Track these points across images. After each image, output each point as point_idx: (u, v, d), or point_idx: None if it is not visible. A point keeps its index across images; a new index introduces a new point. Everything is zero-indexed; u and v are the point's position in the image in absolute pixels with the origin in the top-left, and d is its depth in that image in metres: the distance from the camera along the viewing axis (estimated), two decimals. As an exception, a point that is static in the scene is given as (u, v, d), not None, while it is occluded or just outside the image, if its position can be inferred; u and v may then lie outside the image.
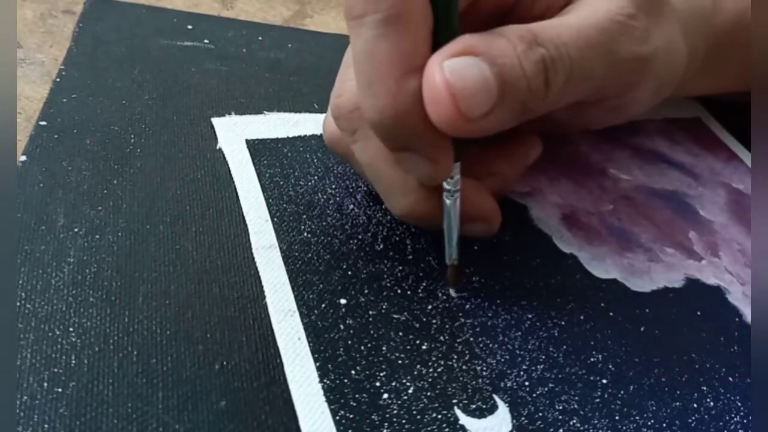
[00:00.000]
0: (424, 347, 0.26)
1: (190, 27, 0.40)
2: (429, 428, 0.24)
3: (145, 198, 0.30)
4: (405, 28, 0.23)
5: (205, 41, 0.39)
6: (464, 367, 0.26)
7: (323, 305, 0.27)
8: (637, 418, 0.26)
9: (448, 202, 0.27)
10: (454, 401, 0.25)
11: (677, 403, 0.26)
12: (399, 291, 0.28)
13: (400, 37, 0.23)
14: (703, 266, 0.32)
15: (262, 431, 0.23)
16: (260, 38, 0.40)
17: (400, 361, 0.26)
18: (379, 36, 0.23)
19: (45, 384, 0.23)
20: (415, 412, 0.24)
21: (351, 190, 0.32)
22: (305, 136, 0.34)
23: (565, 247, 0.31)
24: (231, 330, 0.26)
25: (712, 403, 0.27)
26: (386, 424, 0.24)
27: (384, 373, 0.25)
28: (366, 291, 0.28)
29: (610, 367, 0.27)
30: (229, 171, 0.32)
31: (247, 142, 0.33)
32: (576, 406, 0.26)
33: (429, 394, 0.25)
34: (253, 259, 0.28)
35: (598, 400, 0.26)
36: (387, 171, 0.28)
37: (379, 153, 0.27)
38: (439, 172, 0.26)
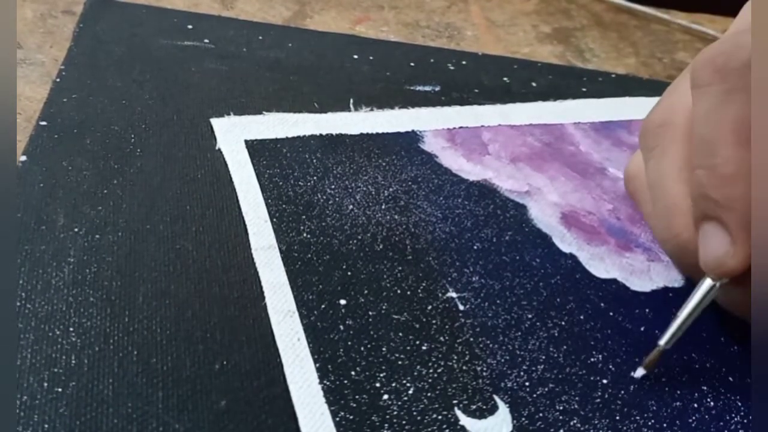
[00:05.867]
0: (424, 348, 0.26)
1: (190, 27, 0.40)
2: (429, 429, 0.24)
3: (145, 198, 0.30)
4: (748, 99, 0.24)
5: (205, 41, 0.39)
6: (464, 367, 0.26)
7: (323, 306, 0.27)
8: (638, 418, 0.25)
9: (708, 280, 0.25)
10: (455, 402, 0.25)
11: (678, 403, 0.26)
12: (399, 291, 0.28)
13: (742, 107, 0.24)
14: (703, 266, 0.32)
15: (261, 431, 0.23)
16: (260, 38, 0.40)
17: (400, 362, 0.26)
18: (722, 103, 0.24)
19: (45, 384, 0.23)
20: (415, 413, 0.24)
21: (350, 190, 0.32)
22: (304, 136, 0.34)
23: (564, 247, 0.31)
24: (231, 330, 0.26)
25: (712, 403, 0.26)
26: (386, 425, 0.24)
27: (384, 373, 0.25)
28: (366, 291, 0.28)
29: (611, 367, 0.27)
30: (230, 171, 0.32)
31: (246, 142, 0.33)
32: (576, 406, 0.25)
33: (429, 394, 0.25)
34: (253, 259, 0.28)
35: (598, 400, 0.26)
36: (673, 188, 0.27)
37: (670, 171, 0.27)
38: (734, 257, 0.24)
